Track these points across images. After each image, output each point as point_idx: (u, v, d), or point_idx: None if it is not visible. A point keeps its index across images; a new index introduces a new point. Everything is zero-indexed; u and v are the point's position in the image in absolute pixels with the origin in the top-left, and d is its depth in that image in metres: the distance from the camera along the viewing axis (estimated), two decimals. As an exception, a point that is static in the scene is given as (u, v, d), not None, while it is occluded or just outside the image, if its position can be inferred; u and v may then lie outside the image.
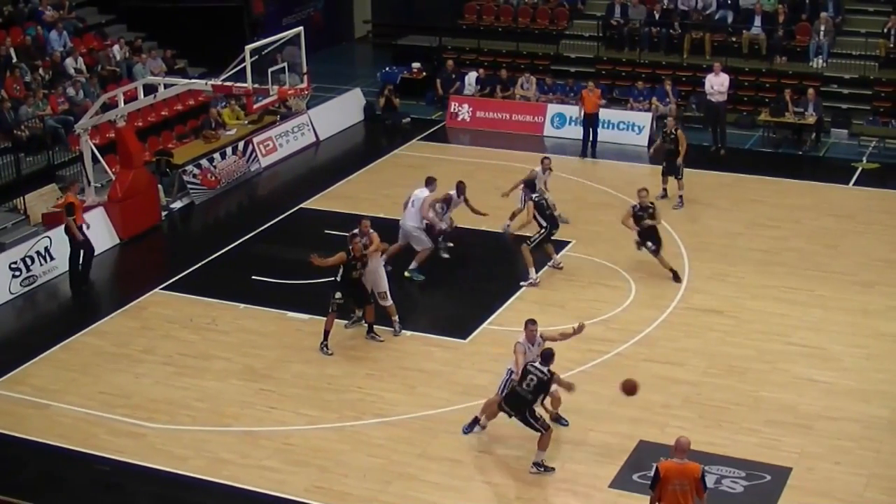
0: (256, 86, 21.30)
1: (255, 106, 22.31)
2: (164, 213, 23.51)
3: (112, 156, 23.57)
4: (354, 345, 17.91)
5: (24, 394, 16.77)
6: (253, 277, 20.38)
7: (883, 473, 14.34)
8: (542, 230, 19.66)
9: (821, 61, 28.59)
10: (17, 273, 20.09)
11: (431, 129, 28.83)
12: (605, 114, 26.99)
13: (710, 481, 12.98)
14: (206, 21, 31.22)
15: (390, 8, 36.90)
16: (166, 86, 23.26)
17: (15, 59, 25.90)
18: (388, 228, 19.67)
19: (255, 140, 26.49)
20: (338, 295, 17.40)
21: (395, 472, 14.59)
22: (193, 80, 25.00)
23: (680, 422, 15.36)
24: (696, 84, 28.48)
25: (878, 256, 20.65)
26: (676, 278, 19.51)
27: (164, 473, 14.76)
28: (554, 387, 14.54)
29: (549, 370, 14.20)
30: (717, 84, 26.26)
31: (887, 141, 26.55)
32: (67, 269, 20.42)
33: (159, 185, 23.68)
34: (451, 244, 20.54)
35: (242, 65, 20.84)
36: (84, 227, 20.37)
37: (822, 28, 28.70)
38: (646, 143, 26.93)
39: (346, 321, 18.22)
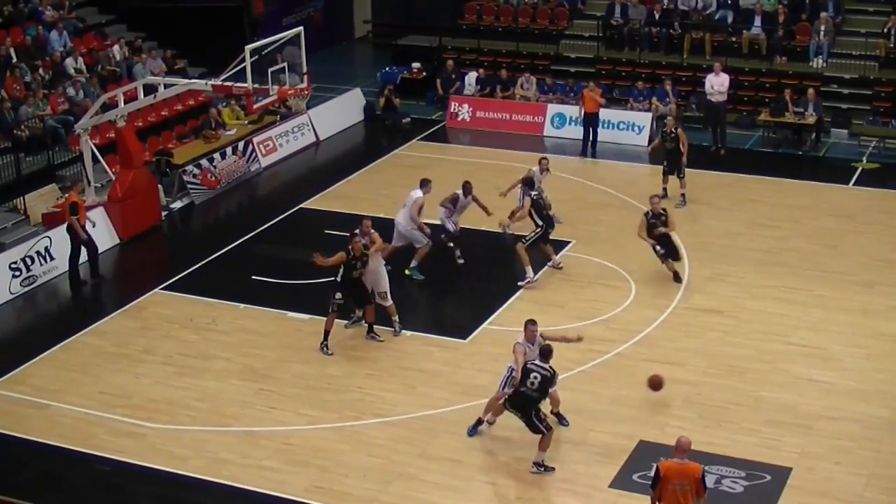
0: (256, 86, 21.31)
1: (255, 106, 22.32)
2: (164, 213, 23.51)
3: (112, 156, 23.58)
4: (354, 345, 17.91)
5: (24, 394, 16.78)
6: (253, 277, 20.38)
7: (883, 473, 14.34)
8: (538, 229, 19.62)
9: (821, 61, 28.59)
10: (17, 273, 20.09)
11: (431, 129, 28.83)
12: (605, 114, 26.99)
13: (710, 481, 12.98)
14: (206, 21, 31.22)
15: (390, 8, 36.90)
16: (166, 86, 23.27)
17: (15, 59, 25.91)
18: (388, 228, 19.67)
19: (255, 140, 26.50)
20: (338, 295, 17.41)
21: (395, 472, 14.59)
22: (193, 80, 25.01)
23: (680, 422, 15.36)
24: (696, 84, 28.48)
25: (878, 256, 20.65)
26: (677, 278, 19.50)
27: (164, 473, 14.76)
28: (554, 388, 14.55)
29: (550, 366, 14.18)
30: (717, 84, 26.25)
31: (887, 141, 26.55)
32: (68, 268, 20.44)
33: (159, 185, 23.68)
34: (452, 244, 20.47)
35: (242, 65, 20.85)
36: (89, 225, 20.42)
37: (822, 28, 28.70)
38: (646, 143, 26.94)
39: (346, 321, 18.22)
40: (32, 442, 15.56)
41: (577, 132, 27.17)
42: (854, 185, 24.48)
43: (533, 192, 19.87)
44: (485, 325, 18.40)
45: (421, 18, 34.80)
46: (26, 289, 20.21)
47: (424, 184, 20.07)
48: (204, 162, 24.95)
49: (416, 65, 31.78)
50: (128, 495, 14.58)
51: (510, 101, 29.25)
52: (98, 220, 21.45)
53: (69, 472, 14.99)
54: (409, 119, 29.46)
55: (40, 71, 26.12)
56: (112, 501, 14.52)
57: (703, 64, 28.83)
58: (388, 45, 34.52)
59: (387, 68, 32.05)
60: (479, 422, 15.13)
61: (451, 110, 29.30)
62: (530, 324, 14.96)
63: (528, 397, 14.10)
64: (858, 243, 21.26)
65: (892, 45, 28.25)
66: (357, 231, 17.69)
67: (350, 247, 17.30)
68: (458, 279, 20.11)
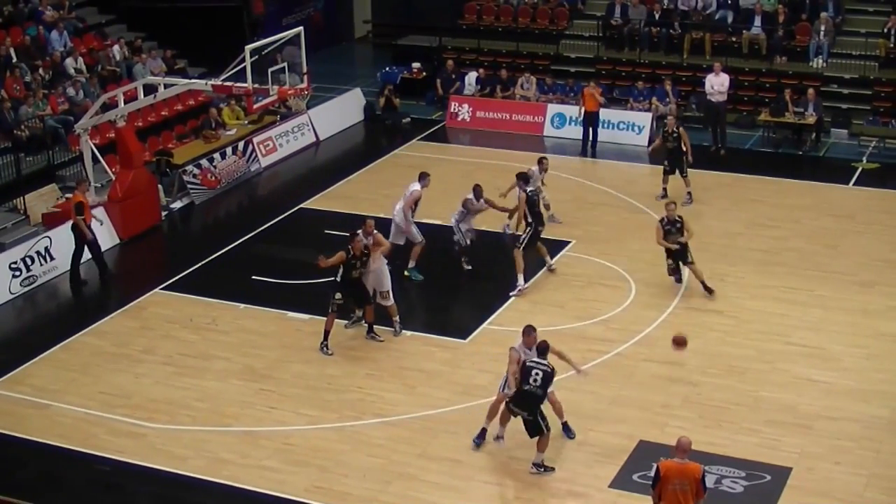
0: (256, 86, 21.33)
1: (255, 106, 22.33)
2: (164, 213, 23.51)
3: (112, 156, 23.59)
4: (354, 345, 17.91)
5: (24, 394, 16.78)
6: (253, 277, 20.38)
7: (883, 473, 14.35)
8: (528, 228, 19.45)
9: (821, 61, 28.60)
10: (17, 273, 20.10)
11: (431, 129, 28.83)
12: (605, 114, 26.99)
13: (710, 481, 12.98)
14: (206, 21, 31.22)
15: (390, 8, 36.91)
16: (166, 86, 23.29)
17: (15, 59, 25.92)
18: (388, 228, 19.65)
19: (255, 140, 26.50)
20: (338, 295, 17.40)
21: (395, 472, 14.59)
22: (193, 80, 25.03)
23: (680, 422, 15.36)
24: (696, 84, 28.48)
25: (878, 256, 20.65)
26: (678, 277, 19.41)
27: (164, 473, 14.76)
28: (552, 389, 14.51)
29: (549, 362, 14.15)
30: (717, 84, 26.26)
31: (887, 141, 26.55)
32: (70, 270, 20.48)
33: (159, 185, 23.68)
34: (460, 251, 20.34)
35: (242, 65, 20.86)
36: (95, 224, 20.49)
37: (822, 28, 28.70)
38: (646, 143, 26.94)
39: (347, 321, 18.22)
40: (32, 442, 15.56)
41: (577, 132, 27.19)
42: (854, 185, 24.48)
43: (529, 189, 19.70)
44: (485, 325, 18.40)
45: (421, 18, 34.79)
46: (26, 289, 20.21)
47: (423, 177, 20.08)
48: (204, 162, 24.96)
49: (416, 65, 31.79)
50: (128, 495, 14.58)
51: (510, 101, 29.25)
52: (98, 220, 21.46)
53: (69, 472, 14.99)
54: (409, 119, 29.46)
55: (40, 71, 26.13)
56: (112, 501, 14.52)
57: (703, 64, 28.83)
58: (388, 45, 34.53)
59: (387, 68, 32.05)
60: (484, 431, 15.01)
61: (451, 110, 29.30)
62: (531, 331, 14.70)
63: (532, 395, 14.07)
64: (858, 243, 21.26)
65: (892, 45, 28.25)
66: (359, 231, 17.68)
67: (350, 246, 17.30)
68: (458, 279, 20.10)
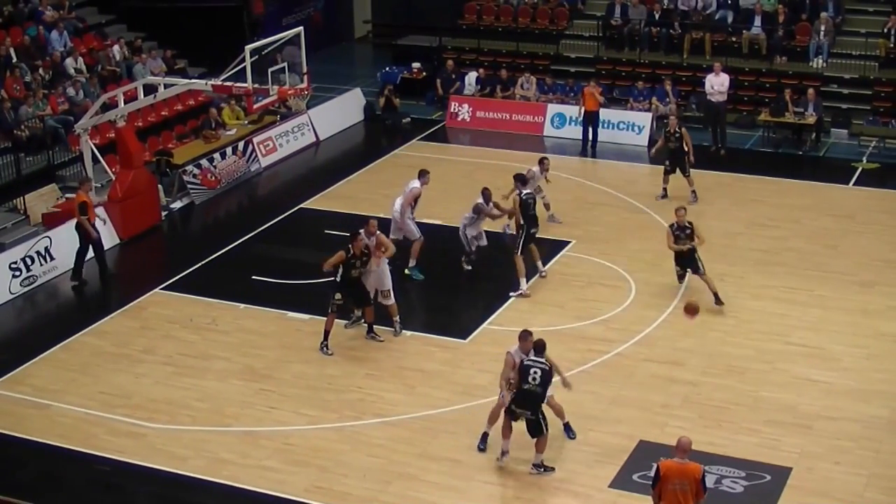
0: (256, 86, 21.33)
1: (255, 106, 22.33)
2: (164, 213, 23.51)
3: (112, 156, 23.59)
4: (354, 345, 17.91)
5: (24, 394, 16.78)
6: (253, 277, 20.38)
7: (883, 473, 14.35)
8: (521, 230, 19.33)
9: (821, 61, 28.60)
10: (17, 273, 20.10)
11: (431, 129, 28.83)
12: (605, 114, 27.00)
13: (710, 481, 12.97)
14: (206, 21, 31.22)
15: (390, 8, 36.91)
16: (166, 86, 23.29)
17: (15, 59, 25.92)
18: (385, 228, 19.64)
19: (255, 140, 26.50)
20: (337, 296, 17.40)
21: (395, 472, 14.60)
22: (193, 80, 25.03)
23: (680, 422, 15.37)
24: (696, 84, 28.49)
25: (877, 256, 20.65)
26: (681, 279, 19.26)
27: (164, 473, 14.76)
28: (551, 392, 14.47)
29: (546, 360, 14.11)
30: (717, 84, 26.26)
31: (887, 141, 26.55)
32: (73, 266, 20.48)
33: (159, 185, 23.68)
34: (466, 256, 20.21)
35: (242, 65, 20.87)
36: (99, 223, 20.56)
37: (822, 28, 28.70)
38: (646, 143, 26.95)
39: (346, 321, 18.21)
40: (32, 442, 15.56)
41: (577, 132, 27.19)
42: (854, 185, 24.48)
43: (525, 191, 19.59)
44: (485, 325, 18.40)
45: (421, 18, 34.79)
46: (26, 289, 20.22)
47: (422, 174, 20.08)
48: (204, 162, 24.96)
49: (416, 65, 31.79)
50: (128, 495, 14.59)
51: (510, 101, 29.25)
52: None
53: (69, 472, 15.00)
54: (409, 119, 29.47)
55: (40, 71, 26.13)
56: (112, 501, 14.52)
57: (703, 64, 28.84)
58: (388, 45, 34.53)
59: (387, 68, 32.05)
60: (486, 435, 14.96)
61: (451, 110, 29.31)
62: (528, 335, 14.56)
63: (532, 394, 14.03)
64: (858, 243, 21.26)
65: (892, 45, 28.25)
66: (362, 231, 17.66)
67: (350, 245, 17.28)
68: (459, 279, 20.09)
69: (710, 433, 15.11)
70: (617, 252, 20.86)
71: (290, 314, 18.89)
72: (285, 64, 22.60)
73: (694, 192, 23.14)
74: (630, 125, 27.39)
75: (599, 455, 14.79)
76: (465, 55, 31.81)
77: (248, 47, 20.98)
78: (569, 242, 21.35)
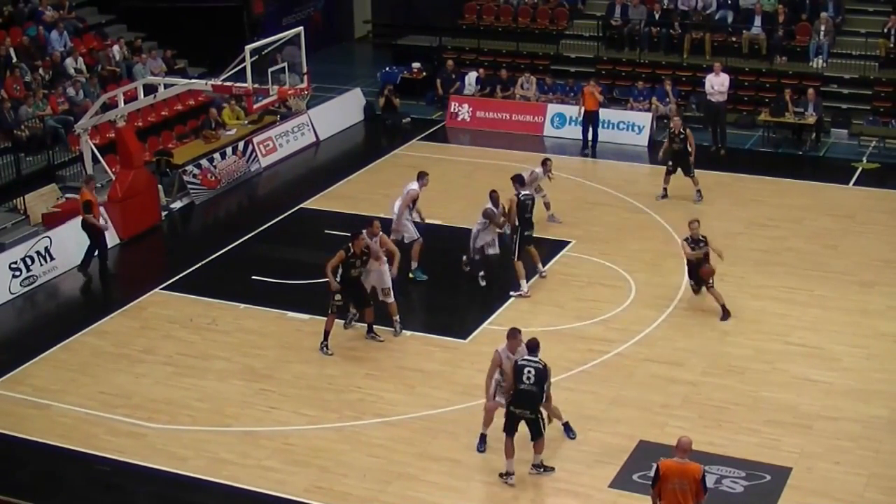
0: (256, 86, 21.33)
1: (255, 106, 22.34)
2: (164, 213, 23.51)
3: (112, 156, 23.59)
4: (354, 345, 17.91)
5: (24, 394, 16.78)
6: (253, 277, 20.38)
7: (883, 473, 14.35)
8: (514, 233, 19.22)
9: (821, 61, 28.59)
10: (17, 273, 20.10)
11: (431, 129, 28.83)
12: (605, 114, 26.99)
13: (710, 481, 12.96)
14: (206, 21, 31.22)
15: (390, 8, 36.91)
16: (166, 86, 23.29)
17: (15, 59, 25.91)
18: (387, 228, 19.63)
19: (255, 140, 26.50)
20: (337, 297, 17.39)
21: (395, 472, 14.60)
22: (193, 80, 25.03)
23: (680, 422, 15.36)
24: (696, 84, 28.48)
25: (877, 256, 20.65)
26: (696, 291, 18.75)
27: (164, 473, 14.76)
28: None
29: (540, 359, 14.02)
30: (717, 84, 26.25)
31: (887, 141, 26.55)
32: (82, 259, 20.61)
33: (159, 185, 23.68)
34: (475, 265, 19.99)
35: (242, 65, 20.87)
36: (102, 221, 20.68)
37: (822, 28, 28.70)
38: (646, 143, 26.96)
39: (344, 321, 18.16)
40: (32, 442, 15.57)
41: (577, 132, 27.18)
42: (854, 185, 24.48)
43: (523, 192, 19.46)
44: (485, 325, 18.39)
45: (421, 18, 34.80)
46: (26, 289, 20.22)
47: (421, 177, 20.06)
48: (204, 162, 24.96)
49: (416, 65, 31.79)
50: (128, 495, 14.59)
51: (510, 101, 29.25)
52: (98, 219, 21.52)
53: (69, 472, 14.99)
54: (409, 119, 29.46)
55: (40, 71, 26.13)
56: (112, 501, 14.52)
57: (703, 64, 28.83)
58: (388, 45, 34.53)
59: (387, 68, 32.05)
60: (484, 437, 14.94)
61: (451, 110, 29.30)
62: (515, 333, 14.56)
63: (529, 393, 13.97)
64: (858, 243, 21.26)
65: (892, 45, 28.24)
66: (364, 231, 17.64)
67: (351, 244, 17.26)
68: (459, 279, 20.08)
69: (710, 433, 15.11)
70: (617, 252, 20.86)
71: (290, 314, 18.89)
72: (285, 64, 22.60)
73: (699, 191, 23.15)
74: (630, 125, 27.39)
75: (599, 455, 14.79)
76: (465, 55, 31.81)
77: (248, 47, 20.98)
78: (569, 242, 21.35)
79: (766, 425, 15.39)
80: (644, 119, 27.41)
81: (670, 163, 23.27)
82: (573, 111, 27.59)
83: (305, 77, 22.70)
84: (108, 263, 20.95)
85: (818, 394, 16.18)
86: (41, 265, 20.49)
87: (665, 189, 23.34)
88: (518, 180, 19.67)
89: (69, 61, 26.78)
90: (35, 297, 20.25)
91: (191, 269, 20.92)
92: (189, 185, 24.41)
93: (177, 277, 20.54)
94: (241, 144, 26.05)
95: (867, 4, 30.03)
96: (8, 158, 23.19)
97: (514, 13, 32.36)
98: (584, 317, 18.53)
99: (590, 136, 26.75)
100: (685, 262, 18.77)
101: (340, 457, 14.97)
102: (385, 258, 17.84)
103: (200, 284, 20.24)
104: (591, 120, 26.62)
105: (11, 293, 19.96)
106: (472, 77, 30.03)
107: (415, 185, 19.92)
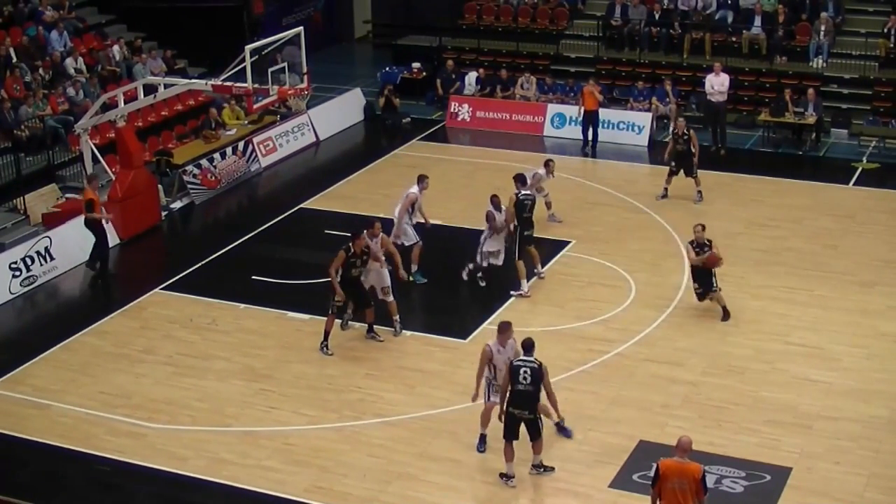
0: (256, 86, 21.32)
1: (255, 106, 22.33)
2: (164, 213, 23.51)
3: (112, 156, 23.59)
4: (354, 345, 17.91)
5: (24, 394, 16.78)
6: (253, 277, 20.38)
7: (883, 473, 14.35)
8: (514, 233, 19.18)
9: (821, 61, 28.60)
10: (17, 273, 20.10)
11: (431, 129, 28.83)
12: (605, 114, 26.99)
13: (710, 481, 12.96)
14: (206, 21, 31.22)
15: (390, 8, 36.91)
16: (166, 86, 23.28)
17: (15, 59, 25.92)
18: (388, 229, 19.63)
19: (255, 140, 26.50)
20: (338, 297, 17.38)
21: (395, 472, 14.60)
22: (193, 80, 25.02)
23: (680, 422, 15.36)
24: (696, 84, 28.49)
25: (877, 256, 20.65)
26: (726, 315, 18.43)
27: (164, 473, 14.76)
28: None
29: (535, 358, 13.97)
30: (717, 84, 26.25)
31: (887, 141, 26.55)
32: (90, 256, 20.67)
33: (159, 185, 23.68)
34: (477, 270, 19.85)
35: (242, 65, 20.87)
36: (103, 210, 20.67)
37: (822, 28, 28.71)
38: (646, 143, 26.97)
39: (341, 321, 18.11)
40: (32, 442, 15.57)
41: (577, 132, 27.18)
42: (854, 185, 24.48)
43: (523, 192, 19.41)
44: (485, 325, 18.37)
45: (421, 18, 34.80)
46: (26, 289, 20.22)
47: (420, 180, 20.02)
48: (204, 162, 24.96)
49: (416, 65, 31.79)
50: (128, 495, 14.59)
51: (510, 101, 29.25)
52: (98, 219, 21.52)
53: (69, 472, 14.99)
54: (409, 119, 29.46)
55: (40, 71, 26.13)
56: (112, 501, 14.53)
57: (703, 64, 28.84)
58: (388, 45, 34.53)
59: (387, 68, 32.05)
60: (483, 437, 14.94)
61: (451, 110, 29.30)
62: (505, 327, 14.59)
63: (526, 393, 13.96)
64: (858, 243, 21.26)
65: (892, 45, 28.24)
66: (365, 232, 17.63)
67: (352, 244, 17.25)
68: (459, 279, 20.08)
69: (710, 433, 15.11)
70: (617, 252, 20.86)
71: (290, 314, 18.88)
72: (285, 64, 22.60)
73: (700, 191, 23.14)
74: (630, 125, 27.39)
75: (599, 455, 14.79)
76: (465, 55, 31.80)
77: (248, 47, 20.98)
78: (569, 242, 21.35)
79: (766, 425, 15.39)
80: (644, 119, 27.41)
81: (673, 163, 23.25)
82: (573, 111, 27.58)
83: (305, 77, 22.70)
84: (108, 264, 20.94)
85: (818, 394, 16.18)
86: (41, 265, 20.49)
87: (666, 189, 23.33)
88: (519, 179, 19.66)
89: (69, 61, 26.78)
90: (35, 297, 20.25)
91: (191, 269, 20.91)
92: (189, 185, 24.41)
93: (177, 277, 20.54)
94: (241, 144, 26.05)
95: (867, 4, 30.04)
96: (8, 158, 23.20)
97: (514, 13, 32.36)
98: (584, 317, 18.52)
99: (590, 136, 26.77)
100: (689, 266, 18.71)
101: (340, 457, 14.97)
102: (384, 259, 17.85)
103: (200, 284, 20.24)
104: (590, 120, 26.62)
105: (11, 293, 19.96)
106: (472, 77, 30.03)
107: (415, 189, 19.89)
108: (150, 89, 22.95)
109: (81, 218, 20.60)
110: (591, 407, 15.83)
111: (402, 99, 30.07)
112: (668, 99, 28.07)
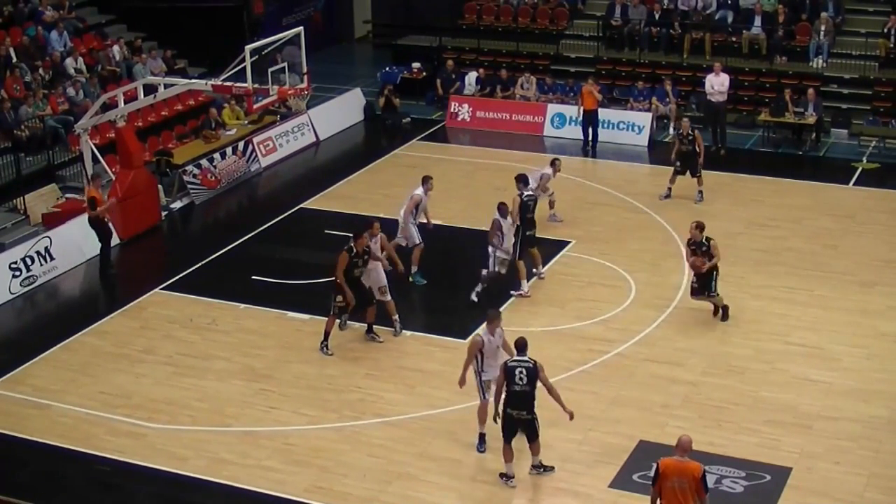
0: (256, 86, 21.31)
1: (255, 106, 22.32)
2: (164, 213, 23.51)
3: (112, 156, 23.59)
4: (354, 345, 17.91)
5: (24, 394, 16.78)
6: (253, 277, 20.38)
7: (883, 473, 14.35)
8: (517, 234, 19.09)
9: (821, 61, 28.60)
10: (17, 273, 20.10)
11: (431, 129, 28.83)
12: (605, 114, 27.00)
13: (710, 481, 12.94)
14: (206, 21, 31.22)
15: (390, 8, 36.91)
16: (166, 86, 23.27)
17: (15, 59, 25.92)
18: (388, 230, 19.62)
19: (255, 140, 26.50)
20: (338, 297, 17.37)
21: (395, 472, 14.60)
22: (193, 80, 25.01)
23: (680, 422, 15.35)
24: (696, 84, 28.49)
25: (877, 256, 20.65)
26: (724, 315, 18.33)
27: (164, 473, 14.76)
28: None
29: (529, 357, 13.93)
30: (717, 84, 26.25)
31: (887, 141, 26.55)
32: (99, 256, 20.73)
33: (159, 185, 23.68)
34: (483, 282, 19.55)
35: (242, 65, 20.85)
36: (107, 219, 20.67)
37: (822, 28, 28.71)
38: (646, 143, 26.97)
39: (339, 321, 18.10)
40: (32, 442, 15.57)
41: (577, 132, 27.18)
42: (854, 185, 24.48)
43: (525, 192, 19.41)
44: (485, 325, 18.32)
45: (421, 18, 34.80)
46: (26, 289, 20.22)
47: (425, 181, 19.96)
48: (204, 162, 24.96)
49: (416, 65, 31.79)
50: (128, 495, 14.58)
51: (510, 101, 29.25)
52: (98, 220, 21.52)
53: (69, 472, 14.99)
54: (409, 119, 29.46)
55: (40, 71, 26.13)
56: (112, 501, 14.53)
57: (703, 64, 28.84)
58: (388, 45, 34.52)
59: (387, 68, 32.05)
60: (483, 436, 14.94)
61: (451, 110, 29.30)
62: (495, 315, 14.77)
63: (523, 393, 13.93)
64: (858, 243, 21.26)
65: (892, 45, 28.25)
66: (366, 233, 17.61)
67: (353, 244, 17.23)
68: (459, 279, 20.07)
69: (710, 433, 15.11)
70: (617, 252, 20.86)
71: (290, 314, 18.88)
72: (285, 64, 22.59)
73: (701, 192, 23.13)
74: (630, 125, 27.39)
75: (599, 455, 14.79)
76: (465, 55, 31.80)
77: (248, 47, 20.97)
78: (569, 242, 21.35)
79: (766, 425, 15.39)
80: (644, 119, 27.41)
81: (678, 164, 23.22)
82: (573, 111, 27.58)
83: (305, 77, 22.69)
84: (110, 262, 20.93)
85: (818, 394, 16.18)
86: (41, 265, 20.49)
87: (669, 189, 23.32)
88: (522, 180, 19.65)
89: (69, 61, 26.78)
90: (35, 297, 20.26)
91: (191, 269, 20.91)
92: (189, 185, 24.41)
93: (177, 277, 20.54)
94: (241, 144, 26.05)
95: (867, 4, 30.04)
96: (8, 158, 23.20)
97: (514, 13, 32.37)
98: (584, 317, 18.52)
99: (589, 136, 26.77)
100: (688, 266, 18.71)
101: (340, 457, 14.97)
102: (385, 260, 17.86)
103: (200, 284, 20.24)
104: (590, 120, 26.63)
105: (11, 293, 19.96)
106: (472, 77, 30.03)
107: (419, 191, 19.85)
108: (150, 89, 22.94)
109: (82, 218, 20.62)
110: (591, 407, 15.83)
111: (402, 99, 30.06)
112: (668, 99, 28.07)
